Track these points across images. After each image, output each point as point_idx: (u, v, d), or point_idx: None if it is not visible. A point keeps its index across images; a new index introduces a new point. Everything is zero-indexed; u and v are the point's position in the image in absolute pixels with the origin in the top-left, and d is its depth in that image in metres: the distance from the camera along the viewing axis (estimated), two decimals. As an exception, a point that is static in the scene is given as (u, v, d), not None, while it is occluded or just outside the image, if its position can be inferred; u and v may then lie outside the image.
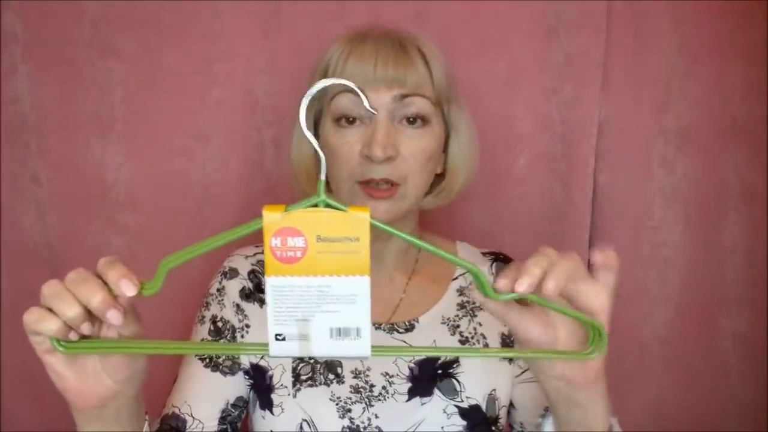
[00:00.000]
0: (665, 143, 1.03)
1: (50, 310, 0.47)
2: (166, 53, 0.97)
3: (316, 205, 0.46)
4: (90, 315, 0.47)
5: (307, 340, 0.48)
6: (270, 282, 0.47)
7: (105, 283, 0.47)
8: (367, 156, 0.66)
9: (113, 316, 0.46)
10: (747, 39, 1.01)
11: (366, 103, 0.48)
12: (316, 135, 0.73)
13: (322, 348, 0.49)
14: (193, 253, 0.48)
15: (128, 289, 0.46)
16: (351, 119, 0.68)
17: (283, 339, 0.48)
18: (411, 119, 0.69)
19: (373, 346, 0.49)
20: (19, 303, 0.97)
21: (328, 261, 0.46)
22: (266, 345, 0.49)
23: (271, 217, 0.46)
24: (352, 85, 0.47)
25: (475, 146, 0.77)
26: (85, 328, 0.47)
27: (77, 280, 0.47)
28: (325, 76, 0.71)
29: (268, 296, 0.47)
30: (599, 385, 0.54)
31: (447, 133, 0.74)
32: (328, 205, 0.46)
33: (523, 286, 0.46)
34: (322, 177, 0.47)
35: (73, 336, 0.48)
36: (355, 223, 0.46)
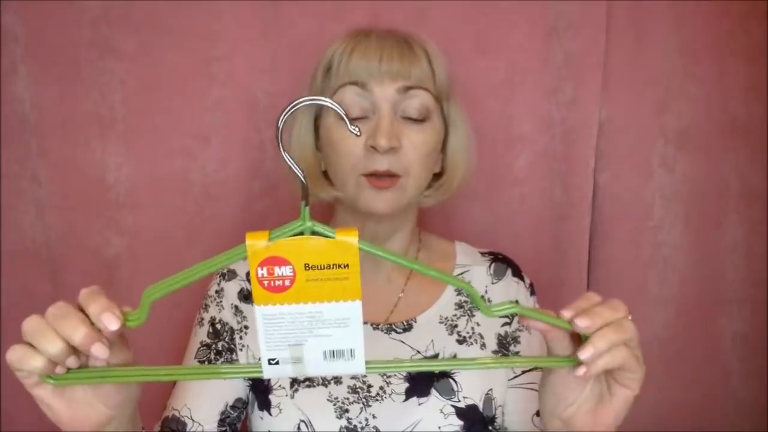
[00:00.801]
0: (665, 143, 1.03)
1: (33, 346, 0.46)
2: (166, 53, 0.97)
3: (302, 233, 0.44)
4: (75, 349, 0.46)
5: (300, 362, 0.48)
6: (259, 311, 0.45)
7: (87, 316, 0.46)
8: (372, 146, 0.67)
9: (98, 351, 0.45)
10: (747, 39, 1.01)
11: (348, 125, 0.47)
12: (317, 132, 0.74)
13: (316, 369, 0.48)
14: (176, 283, 0.47)
15: (111, 323, 0.45)
16: (355, 118, 0.69)
17: (277, 363, 0.48)
18: (413, 117, 0.70)
19: (367, 362, 0.48)
20: (19, 303, 0.98)
21: (317, 288, 0.45)
22: (259, 366, 0.48)
23: (256, 246, 0.44)
24: (336, 107, 0.47)
25: (472, 144, 0.78)
26: (72, 362, 0.47)
27: (58, 315, 0.46)
28: (327, 72, 0.72)
29: (259, 324, 0.46)
30: None
31: (446, 130, 0.75)
32: (314, 232, 0.44)
33: (585, 355, 0.49)
34: (305, 202, 0.45)
35: (59, 370, 0.47)
36: (344, 249, 0.44)
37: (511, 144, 1.02)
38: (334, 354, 0.48)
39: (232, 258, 0.46)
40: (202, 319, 0.77)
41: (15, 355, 0.46)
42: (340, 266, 0.44)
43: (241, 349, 0.75)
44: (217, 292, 0.78)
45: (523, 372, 0.75)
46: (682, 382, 1.07)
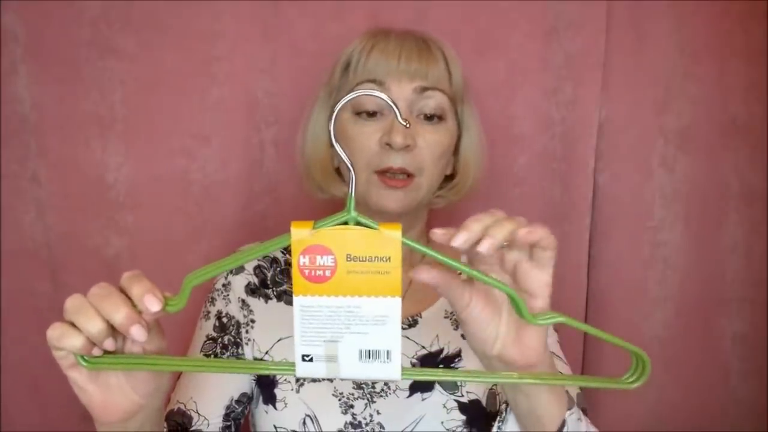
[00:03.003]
0: (665, 143, 1.03)
1: (73, 325, 0.46)
2: (166, 53, 0.97)
3: (345, 222, 0.44)
4: (113, 330, 0.46)
5: (334, 361, 0.47)
6: (298, 302, 0.45)
7: (128, 298, 0.46)
8: (387, 143, 0.68)
9: (137, 332, 0.45)
10: (747, 39, 1.01)
11: (399, 117, 0.47)
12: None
13: (351, 370, 0.47)
14: (216, 269, 0.47)
15: (153, 305, 0.45)
16: (371, 113, 0.70)
17: (311, 360, 0.47)
18: (428, 116, 0.71)
19: (404, 369, 0.47)
20: (19, 303, 0.98)
21: (358, 281, 0.45)
22: (292, 365, 0.47)
23: (300, 234, 0.44)
24: (387, 99, 0.46)
25: (484, 146, 0.79)
26: (109, 344, 0.47)
27: (101, 294, 0.46)
28: (346, 69, 0.73)
29: (296, 316, 0.46)
30: (541, 369, 0.51)
31: (459, 132, 0.76)
32: (358, 223, 0.44)
33: (458, 241, 0.44)
34: (352, 192, 0.45)
35: (96, 351, 0.47)
36: (387, 242, 0.44)
37: (511, 144, 1.03)
38: (369, 354, 0.47)
39: (276, 245, 0.46)
40: (208, 312, 0.77)
41: (55, 332, 0.46)
42: (381, 259, 0.44)
43: (247, 343, 0.75)
44: (224, 285, 0.78)
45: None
46: (682, 382, 1.07)
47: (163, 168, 0.99)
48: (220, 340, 0.75)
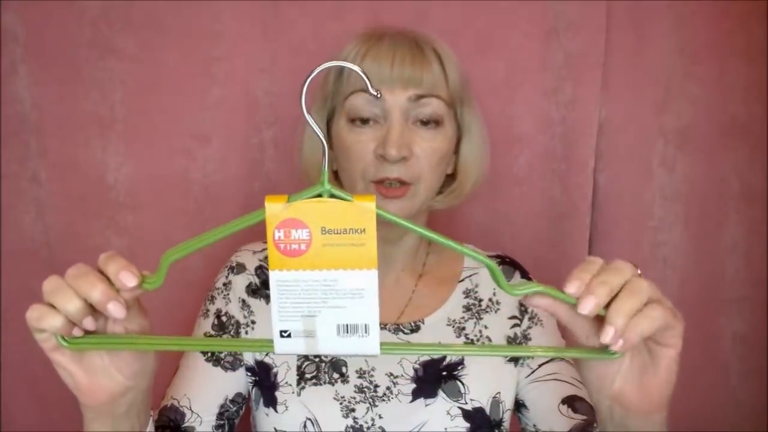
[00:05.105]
0: (665, 143, 1.03)
1: (52, 306, 0.46)
2: (166, 53, 0.97)
3: (320, 195, 0.44)
4: (93, 310, 0.47)
5: (313, 337, 0.47)
6: (274, 276, 0.45)
7: (107, 278, 0.46)
8: (382, 155, 0.67)
9: (115, 309, 0.46)
10: (747, 39, 1.01)
11: (370, 88, 0.47)
12: (329, 134, 0.74)
13: (329, 345, 0.47)
14: (194, 245, 0.47)
15: (128, 280, 0.45)
16: (365, 120, 0.69)
17: (289, 335, 0.47)
18: (424, 121, 0.69)
19: (382, 344, 0.47)
20: (19, 303, 0.97)
21: (333, 254, 0.45)
22: (271, 342, 0.47)
23: (274, 208, 0.44)
24: (358, 70, 0.47)
25: (486, 148, 0.78)
26: (88, 323, 0.47)
27: (77, 274, 0.47)
28: (340, 75, 0.72)
29: (273, 291, 0.46)
30: (657, 417, 0.51)
31: (459, 134, 0.75)
32: (332, 195, 0.44)
33: (606, 339, 0.45)
34: (325, 167, 0.45)
35: (77, 332, 0.48)
36: (361, 213, 0.44)
37: (511, 144, 1.02)
38: (347, 329, 0.47)
39: (250, 220, 0.46)
40: (207, 310, 0.77)
41: (34, 314, 0.47)
42: (356, 231, 0.44)
43: None
44: (224, 284, 0.78)
45: (540, 366, 0.74)
46: (682, 382, 1.06)
47: (163, 168, 0.99)
48: (218, 338, 0.75)
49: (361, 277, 0.45)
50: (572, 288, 0.46)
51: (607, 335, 0.45)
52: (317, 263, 0.45)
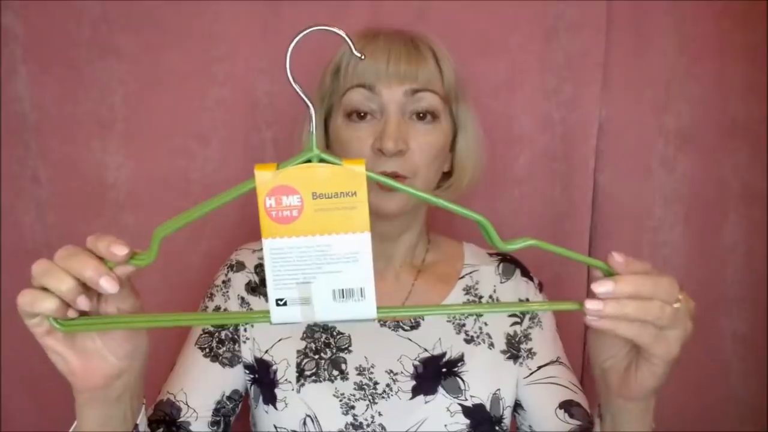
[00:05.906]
0: (665, 143, 1.03)
1: (44, 289, 0.46)
2: (166, 53, 0.97)
3: (309, 161, 0.44)
4: (85, 289, 0.46)
5: (309, 304, 0.46)
6: (267, 244, 0.45)
7: (97, 257, 0.46)
8: (379, 149, 0.67)
9: (107, 284, 0.45)
10: (747, 39, 1.01)
11: (352, 48, 0.47)
12: (327, 131, 0.74)
13: (326, 312, 0.47)
14: (185, 219, 0.47)
15: (119, 250, 0.45)
16: (362, 114, 0.69)
17: (285, 304, 0.46)
18: (421, 115, 0.70)
19: (379, 308, 0.47)
20: (19, 303, 0.98)
21: (326, 219, 0.44)
22: (267, 313, 0.47)
23: (264, 176, 0.44)
24: (341, 33, 0.47)
25: (481, 144, 0.78)
26: (82, 302, 0.47)
27: (66, 255, 0.46)
28: (337, 73, 0.72)
29: (267, 259, 0.45)
30: (632, 406, 0.56)
31: (455, 130, 0.76)
32: (321, 160, 0.44)
33: (599, 288, 0.49)
34: (313, 130, 0.45)
35: (71, 313, 0.47)
36: (352, 177, 0.44)
37: (511, 144, 1.03)
38: (343, 293, 0.46)
39: (240, 190, 0.46)
40: (206, 307, 0.77)
41: (26, 298, 0.46)
42: (347, 194, 0.44)
43: (245, 342, 0.75)
44: (224, 282, 0.78)
45: (539, 368, 0.75)
46: (682, 382, 1.07)
47: (163, 168, 0.99)
48: (216, 335, 0.74)
49: (354, 241, 0.45)
50: (619, 257, 0.50)
51: (602, 287, 0.49)
52: (310, 229, 0.45)
